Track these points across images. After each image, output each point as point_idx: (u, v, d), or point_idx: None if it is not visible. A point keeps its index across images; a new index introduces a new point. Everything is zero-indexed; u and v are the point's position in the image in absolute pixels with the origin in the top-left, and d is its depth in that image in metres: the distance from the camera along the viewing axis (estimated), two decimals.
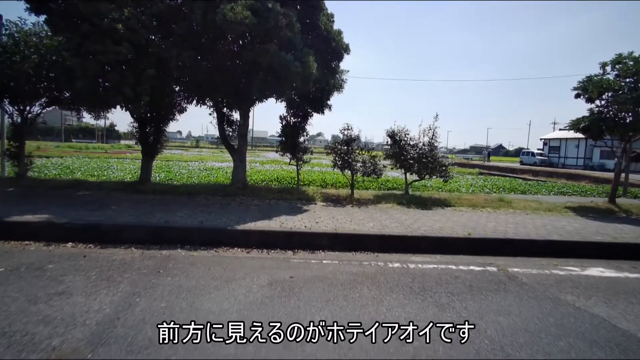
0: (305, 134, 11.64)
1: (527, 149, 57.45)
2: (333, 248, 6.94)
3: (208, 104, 11.48)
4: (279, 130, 11.58)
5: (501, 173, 33.74)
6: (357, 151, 10.95)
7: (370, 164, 10.67)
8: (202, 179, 16.08)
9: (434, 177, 11.36)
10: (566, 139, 46.12)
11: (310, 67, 9.06)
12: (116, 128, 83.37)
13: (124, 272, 5.05)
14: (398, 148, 11.60)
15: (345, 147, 10.89)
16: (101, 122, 71.14)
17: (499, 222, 8.81)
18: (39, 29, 9.70)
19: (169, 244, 6.54)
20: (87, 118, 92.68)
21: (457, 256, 6.94)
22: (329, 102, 11.38)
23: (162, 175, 16.77)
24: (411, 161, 11.11)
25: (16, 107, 10.13)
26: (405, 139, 11.71)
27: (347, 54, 10.72)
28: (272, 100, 11.25)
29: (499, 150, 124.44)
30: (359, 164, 10.72)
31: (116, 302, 4.09)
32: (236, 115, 11.49)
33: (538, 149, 53.56)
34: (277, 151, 11.81)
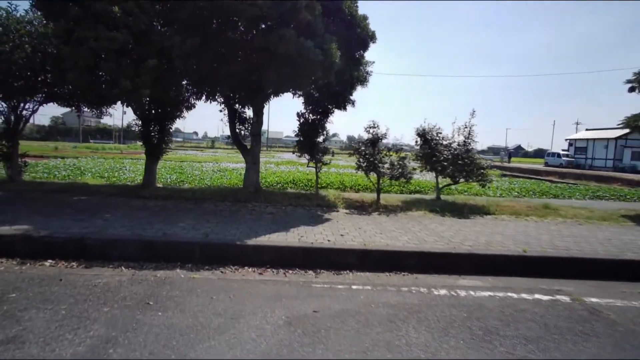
0: (324, 132, 10.50)
1: (550, 150, 55.16)
2: (362, 267, 5.79)
3: (219, 99, 10.45)
4: (296, 129, 10.47)
5: (524, 175, 31.93)
6: (384, 152, 9.75)
7: (398, 166, 9.47)
8: (215, 181, 15.08)
9: (470, 180, 10.06)
10: (594, 140, 43.84)
11: (333, 56, 7.91)
12: (133, 128, 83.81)
13: (103, 304, 3.98)
14: (429, 148, 10.37)
15: (371, 148, 9.72)
16: (118, 123, 71.54)
17: (553, 235, 7.51)
18: (32, 16, 8.81)
19: (166, 261, 5.47)
20: (105, 119, 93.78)
21: (513, 279, 5.72)
22: (351, 97, 10.22)
23: (174, 176, 15.88)
24: (445, 163, 9.86)
25: (8, 104, 9.26)
26: (437, 138, 10.46)
27: (373, 42, 9.55)
28: (287, 96, 10.19)
29: (518, 151, 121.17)
30: (386, 167, 9.52)
31: (81, 354, 3.02)
32: (249, 113, 10.46)
33: (563, 150, 51.29)
34: (294, 152, 10.72)
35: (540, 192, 16.19)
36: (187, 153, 42.44)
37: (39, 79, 8.84)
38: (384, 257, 5.93)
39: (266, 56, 7.73)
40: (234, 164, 26.01)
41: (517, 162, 55.83)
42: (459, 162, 9.68)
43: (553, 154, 46.23)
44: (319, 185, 15.65)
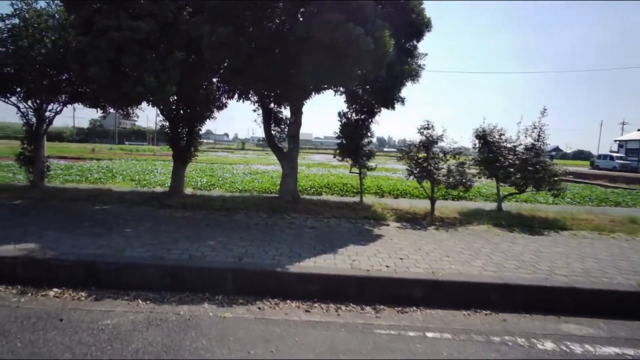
0: (370, 134, 9.34)
1: (598, 152, 51.52)
2: (432, 303, 4.62)
3: (252, 98, 9.51)
4: (337, 131, 9.37)
5: (570, 179, 29.34)
6: (440, 156, 8.49)
7: (457, 173, 8.18)
8: (246, 185, 14.22)
9: (541, 190, 8.62)
10: None
11: (386, 45, 6.77)
12: (167, 130, 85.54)
13: None
14: (490, 152, 9.01)
15: (424, 152, 8.48)
16: (152, 125, 73.00)
17: None
18: (55, 9, 8.15)
19: (193, 291, 4.50)
20: (140, 121, 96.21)
21: (635, 324, 4.39)
22: (400, 95, 9.02)
23: (204, 180, 15.18)
24: (511, 169, 8.47)
25: (30, 104, 8.65)
26: (500, 140, 9.09)
27: (429, 31, 8.32)
28: (321, 93, 9.04)
29: (556, 153, 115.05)
30: (441, 173, 8.26)
31: None
32: (285, 112, 9.48)
33: (611, 151, 47.74)
34: (334, 155, 9.62)
35: (597, 199, 14.36)
36: (217, 155, 42.37)
37: (62, 77, 8.19)
38: (459, 290, 4.72)
39: (308, 46, 6.68)
40: (265, 166, 25.32)
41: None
42: (530, 168, 8.27)
43: (605, 156, 42.90)
44: (354, 190, 14.58)
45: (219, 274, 4.63)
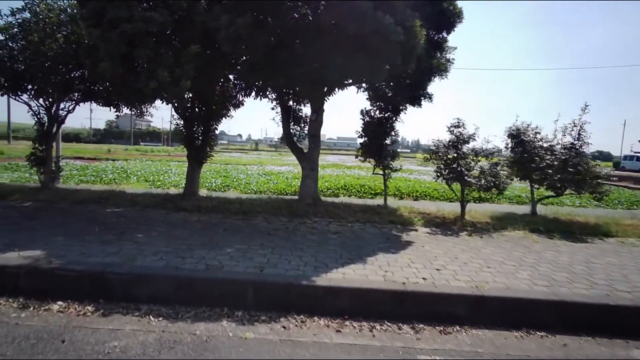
0: (394, 133, 8.80)
1: (609, 152, 49.84)
2: (476, 322, 4.09)
3: (270, 96, 9.07)
4: (360, 130, 8.85)
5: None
6: (471, 156, 7.90)
7: (489, 174, 7.58)
8: (261, 186, 13.83)
9: (581, 192, 7.96)
10: None
11: (417, 35, 6.26)
12: (181, 129, 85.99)
13: None
14: (524, 152, 8.38)
15: (454, 152, 7.91)
16: (167, 126, 73.58)
17: None
18: (66, 3, 7.84)
19: (210, 305, 4.04)
20: (155, 122, 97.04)
21: None
22: (428, 91, 8.45)
23: (219, 181, 14.84)
24: (549, 170, 7.83)
25: (42, 102, 8.35)
26: (535, 139, 8.46)
27: (460, 22, 7.76)
28: (345, 89, 8.52)
29: None
30: (473, 174, 7.67)
31: None
32: (305, 110, 9.01)
33: (634, 152, 46.10)
34: (356, 156, 9.10)
35: (627, 202, 13.53)
36: (231, 155, 42.23)
37: (75, 74, 7.87)
38: (508, 308, 4.17)
39: (332, 38, 6.20)
40: (279, 166, 24.95)
41: None
42: (571, 169, 7.61)
43: (631, 157, 41.35)
44: (374, 192, 14.03)
45: (238, 286, 4.17)
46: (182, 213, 7.25)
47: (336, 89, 7.52)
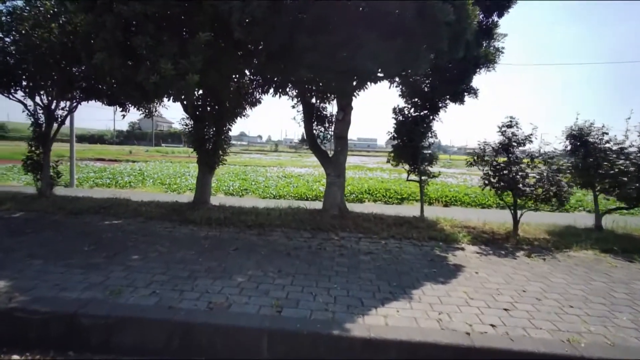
0: (431, 134, 7.68)
1: None
2: None
3: (290, 93, 8.09)
4: (391, 131, 7.76)
5: None
6: (526, 161, 6.71)
7: (550, 183, 6.36)
8: (281, 190, 13.00)
9: None
10: None
11: (469, 17, 5.18)
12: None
13: None
14: (588, 156, 7.12)
15: (505, 155, 6.74)
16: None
17: None
18: None
19: (211, 358, 3.08)
20: (176, 124, 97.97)
21: None
22: (472, 85, 7.30)
23: (237, 184, 14.11)
24: (623, 178, 6.55)
25: (39, 101, 7.58)
26: (601, 141, 7.19)
27: (514, 3, 6.60)
28: (378, 83, 7.42)
29: None
30: (528, 182, 6.48)
31: None
32: (330, 108, 7.99)
33: None
34: (388, 160, 8.02)
35: None
36: (251, 157, 41.90)
37: (74, 69, 7.08)
38: None
39: (366, 20, 5.15)
40: (299, 168, 24.21)
41: None
42: None
43: None
44: (400, 196, 12.90)
45: (249, 336, 3.18)
46: (189, 227, 6.33)
47: (368, 83, 6.47)
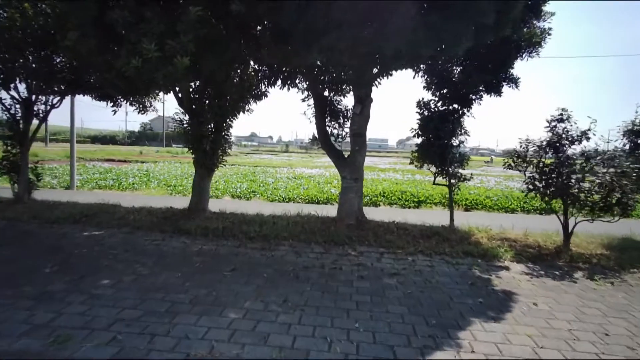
0: (462, 131, 6.65)
1: None
2: None
3: (301, 85, 7.14)
4: (415, 128, 6.74)
5: None
6: (579, 163, 5.62)
7: (612, 188, 5.27)
8: (290, 192, 12.11)
9: None
10: None
11: None
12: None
13: None
14: None
15: (554, 155, 5.68)
16: None
17: None
18: None
19: None
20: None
21: None
22: (512, 72, 6.24)
23: (245, 185, 13.29)
24: None
25: (16, 95, 6.71)
26: None
27: None
28: (402, 70, 6.36)
29: None
30: (584, 188, 5.40)
31: None
32: (346, 102, 6.99)
33: None
34: (411, 161, 7.02)
35: None
36: (261, 157, 41.24)
37: (55, 58, 6.23)
38: None
39: None
40: (309, 169, 23.39)
41: None
42: None
43: None
44: (417, 199, 11.86)
45: None
46: (181, 239, 5.41)
47: (393, 70, 5.42)
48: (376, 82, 5.94)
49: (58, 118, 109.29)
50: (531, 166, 5.87)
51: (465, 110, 6.66)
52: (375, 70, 5.43)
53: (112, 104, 7.33)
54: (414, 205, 11.57)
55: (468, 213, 10.53)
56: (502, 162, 6.42)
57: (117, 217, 6.11)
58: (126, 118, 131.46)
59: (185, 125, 6.41)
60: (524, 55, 6.04)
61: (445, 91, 6.64)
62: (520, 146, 6.07)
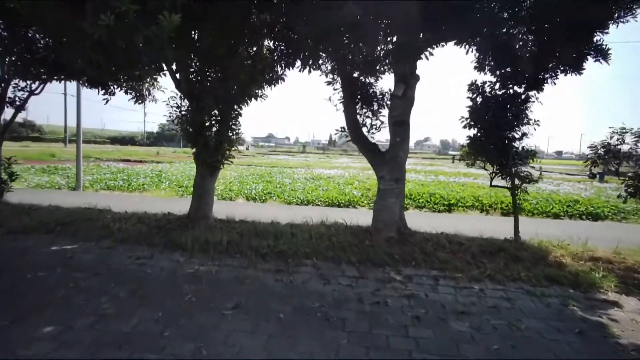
0: (526, 120, 5.25)
1: None
2: None
3: (325, 66, 5.87)
4: (466, 117, 5.38)
5: None
6: None
7: None
8: (309, 194, 10.97)
9: None
10: None
11: None
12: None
13: None
14: None
15: None
16: None
17: None
18: None
19: None
20: None
21: None
22: (602, 42, 4.79)
23: (260, 187, 12.27)
24: None
25: None
26: None
27: None
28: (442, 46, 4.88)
29: None
30: None
31: None
32: (381, 85, 5.66)
33: None
34: (460, 158, 5.66)
35: None
36: (278, 158, 40.52)
37: (34, 34, 5.14)
38: None
39: None
40: (327, 170, 22.41)
41: None
42: None
43: None
44: (447, 201, 10.42)
45: None
46: (174, 255, 4.20)
47: (444, 38, 4.04)
48: (425, 54, 4.54)
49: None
50: (630, 161, 4.46)
51: (531, 94, 5.25)
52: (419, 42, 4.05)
53: (103, 91, 6.22)
54: (445, 209, 10.28)
55: (508, 218, 9.23)
56: (584, 165, 5.02)
57: (99, 226, 4.93)
58: (145, 119, 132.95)
59: (183, 113, 5.17)
60: (627, 15, 4.56)
61: (506, 70, 5.24)
62: (611, 137, 4.67)
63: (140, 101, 6.45)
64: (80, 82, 6.04)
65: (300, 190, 11.94)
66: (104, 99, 6.18)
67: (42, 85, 6.08)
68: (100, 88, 6.33)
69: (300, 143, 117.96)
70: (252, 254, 4.32)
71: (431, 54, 4.15)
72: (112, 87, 6.25)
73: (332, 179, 16.28)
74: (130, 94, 6.49)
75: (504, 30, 4.75)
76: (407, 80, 4.69)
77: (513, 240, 5.11)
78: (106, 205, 6.26)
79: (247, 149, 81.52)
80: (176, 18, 3.24)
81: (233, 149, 5.43)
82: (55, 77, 5.81)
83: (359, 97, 5.49)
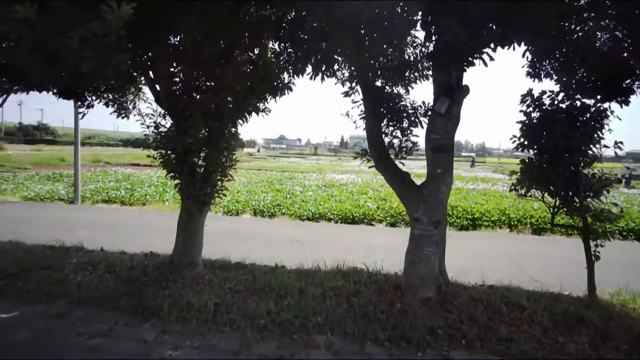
0: (600, 133, 4.07)
1: None
2: None
3: (341, 73, 4.79)
4: (518, 134, 4.22)
5: None
6: None
7: None
8: (321, 205, 10.20)
9: None
10: None
11: None
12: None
13: None
14: None
15: None
16: None
17: None
18: None
19: None
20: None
21: None
22: None
23: (269, 197, 11.44)
24: None
25: None
26: None
27: None
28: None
29: None
30: None
31: None
32: (411, 97, 4.52)
33: None
34: (514, 187, 4.51)
35: None
36: (289, 161, 39.90)
37: None
38: None
39: None
40: (339, 174, 21.73)
41: None
42: None
43: None
44: (456, 215, 9.17)
45: None
46: (144, 327, 3.13)
47: (521, 34, 2.91)
48: (476, 58, 3.34)
49: (93, 121, 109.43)
50: None
51: (604, 105, 4.07)
52: (470, 42, 2.87)
53: (79, 102, 5.22)
54: (469, 224, 9.24)
55: (542, 238, 8.20)
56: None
57: (56, 279, 3.89)
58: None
59: (163, 133, 4.06)
60: None
61: (577, 76, 4.07)
62: None
63: (123, 115, 5.45)
64: (52, 92, 5.03)
65: (311, 201, 11.06)
66: (80, 113, 5.19)
67: (5, 97, 5.11)
68: (74, 99, 5.36)
69: (312, 144, 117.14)
70: (249, 324, 3.24)
71: (491, 58, 3.01)
72: (89, 99, 5.27)
73: (344, 186, 15.40)
74: (111, 105, 5.50)
75: (581, 26, 3.58)
76: (452, 93, 3.54)
77: (589, 300, 3.92)
78: (84, 237, 5.24)
79: (258, 151, 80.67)
80: (127, 9, 2.19)
81: (226, 179, 4.32)
82: (17, 88, 4.84)
83: (384, 111, 4.36)
